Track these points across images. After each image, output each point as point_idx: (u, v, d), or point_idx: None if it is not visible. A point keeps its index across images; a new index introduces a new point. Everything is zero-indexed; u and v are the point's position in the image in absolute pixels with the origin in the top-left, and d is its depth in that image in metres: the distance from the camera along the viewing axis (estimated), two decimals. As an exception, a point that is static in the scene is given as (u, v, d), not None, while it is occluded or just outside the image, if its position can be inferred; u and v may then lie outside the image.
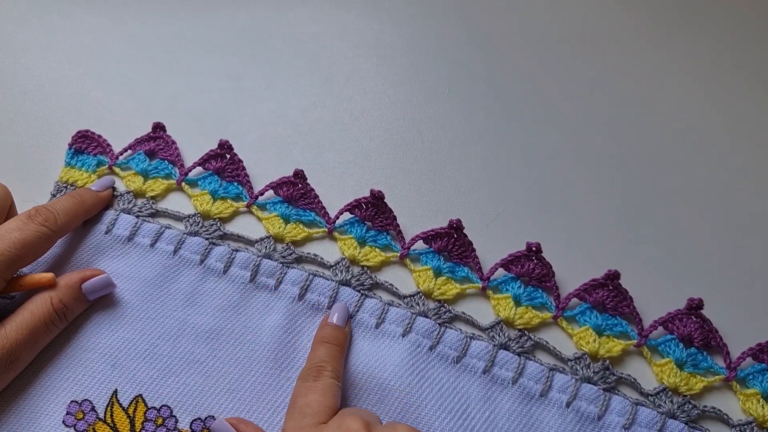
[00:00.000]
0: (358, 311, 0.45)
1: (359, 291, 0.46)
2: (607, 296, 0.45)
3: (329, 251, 0.48)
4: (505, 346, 0.44)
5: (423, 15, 0.61)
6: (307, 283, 0.46)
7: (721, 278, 0.47)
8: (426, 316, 0.45)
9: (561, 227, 0.49)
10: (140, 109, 0.55)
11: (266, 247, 0.48)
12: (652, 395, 0.42)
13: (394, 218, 0.48)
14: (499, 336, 0.44)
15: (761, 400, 0.42)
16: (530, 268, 0.46)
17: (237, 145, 0.51)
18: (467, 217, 0.47)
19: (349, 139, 0.53)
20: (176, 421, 0.42)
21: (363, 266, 0.47)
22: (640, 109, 0.54)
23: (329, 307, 0.45)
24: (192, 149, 0.52)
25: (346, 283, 0.46)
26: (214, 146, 0.51)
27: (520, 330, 0.44)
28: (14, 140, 0.53)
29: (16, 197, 0.46)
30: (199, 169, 0.51)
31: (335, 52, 0.58)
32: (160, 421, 0.42)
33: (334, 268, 0.47)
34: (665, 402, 0.42)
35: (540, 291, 0.46)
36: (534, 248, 0.45)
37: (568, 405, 0.42)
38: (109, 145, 0.52)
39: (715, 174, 0.51)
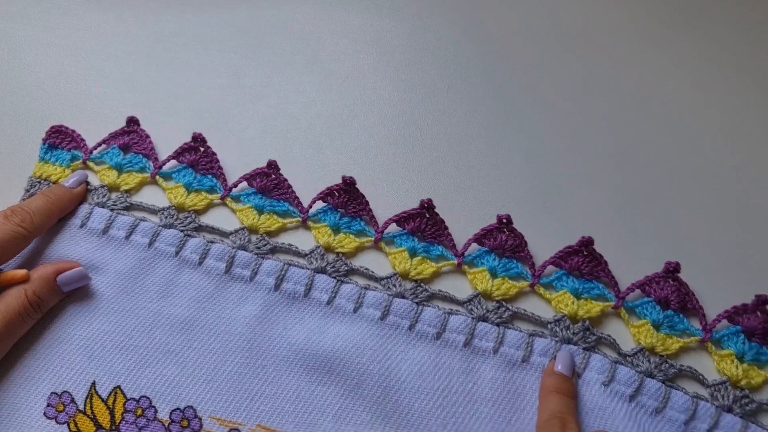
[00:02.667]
0: (335, 297, 0.45)
1: (335, 277, 0.46)
2: (582, 262, 0.45)
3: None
4: (483, 318, 0.44)
5: (423, 12, 0.61)
6: (283, 272, 0.46)
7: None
8: (403, 297, 0.45)
9: (562, 225, 0.48)
10: (140, 105, 0.55)
11: (241, 238, 0.48)
12: (630, 356, 0.42)
13: (367, 203, 0.48)
14: (477, 309, 0.44)
15: (735, 360, 0.42)
16: (503, 240, 0.46)
17: (236, 141, 0.51)
18: (467, 214, 0.48)
19: (348, 135, 0.53)
20: (155, 411, 0.42)
21: (338, 253, 0.47)
22: (639, 106, 0.54)
23: (305, 295, 0.45)
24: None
25: (321, 271, 0.46)
26: (214, 143, 0.51)
27: (498, 301, 0.44)
28: (14, 137, 0.53)
29: (15, 192, 0.47)
30: (173, 162, 0.51)
31: (335, 48, 0.58)
32: (139, 411, 0.42)
33: (309, 256, 0.47)
34: (643, 362, 0.42)
35: (515, 261, 0.46)
36: (504, 220, 0.46)
37: None
38: (83, 140, 0.52)
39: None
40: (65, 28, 0.61)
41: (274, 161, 0.50)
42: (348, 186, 0.48)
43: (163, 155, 0.52)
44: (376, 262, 0.47)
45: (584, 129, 0.52)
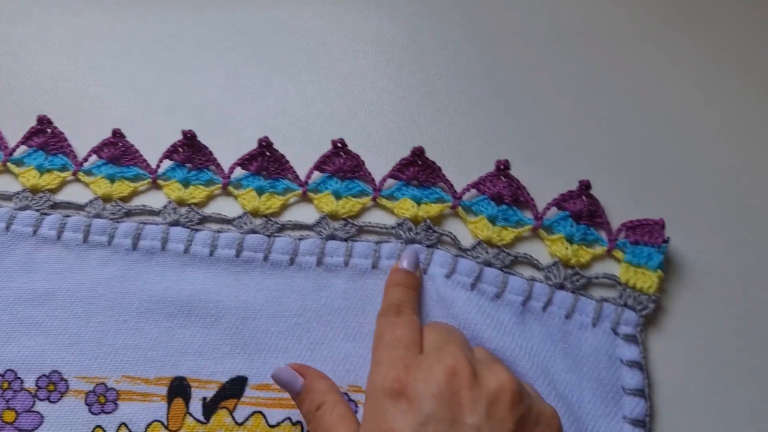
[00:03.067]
0: (191, 245, 0.46)
1: (189, 227, 0.47)
2: (419, 171, 0.47)
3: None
4: (332, 237, 0.46)
5: (422, 11, 0.60)
6: (138, 231, 0.47)
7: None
8: (255, 232, 0.46)
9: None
10: (139, 105, 0.55)
11: (95, 207, 0.48)
12: (469, 249, 0.45)
13: (211, 153, 0.50)
14: (325, 230, 0.46)
15: (565, 242, 0.45)
16: (342, 163, 0.48)
17: (236, 140, 0.51)
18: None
19: (347, 134, 0.52)
20: (22, 382, 0.43)
21: (190, 204, 0.48)
22: (638, 105, 0.54)
23: (163, 249, 0.46)
24: (190, 145, 0.51)
25: (175, 224, 0.47)
26: (214, 142, 0.51)
27: (344, 219, 0.47)
28: (12, 136, 0.53)
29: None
30: (23, 147, 0.52)
31: (334, 47, 0.58)
32: (6, 385, 0.43)
33: (162, 212, 0.48)
34: (482, 253, 0.44)
35: (355, 181, 0.48)
36: (339, 144, 0.48)
37: None
38: (-70, 142, 0.52)
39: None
40: (64, 27, 0.60)
41: (119, 129, 0.51)
42: (189, 140, 0.49)
43: (159, 155, 0.51)
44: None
45: (584, 129, 0.52)
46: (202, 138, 0.51)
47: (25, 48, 0.59)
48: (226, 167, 0.50)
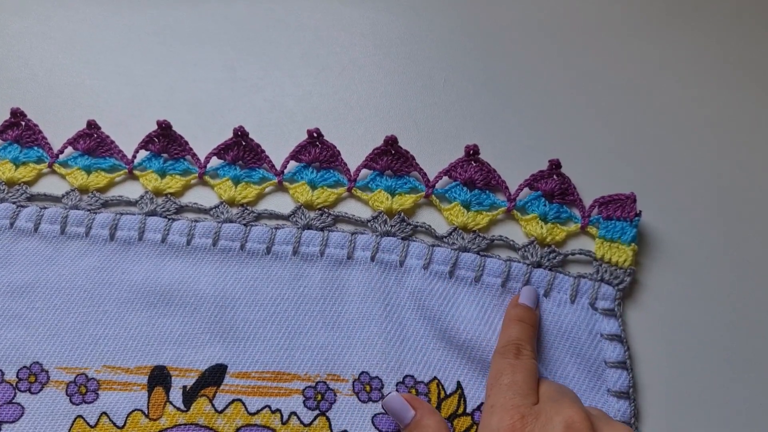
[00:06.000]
0: (168, 235, 0.46)
1: (166, 217, 0.47)
2: (392, 161, 0.48)
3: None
4: (308, 227, 0.46)
5: (419, 4, 0.60)
6: (115, 222, 0.47)
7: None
8: (232, 222, 0.47)
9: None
10: (135, 99, 0.54)
11: (72, 199, 0.48)
12: (445, 237, 0.45)
13: (186, 143, 0.50)
14: (301, 219, 0.46)
15: (539, 221, 0.46)
16: (317, 154, 0.49)
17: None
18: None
19: (344, 128, 0.52)
20: (2, 374, 0.43)
21: (167, 194, 0.48)
22: (635, 100, 0.54)
23: (140, 239, 0.46)
24: (187, 139, 0.51)
25: (152, 213, 0.47)
26: (211, 136, 0.50)
27: (320, 209, 0.47)
28: None
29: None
30: (-2, 141, 0.52)
31: (331, 41, 0.58)
32: (-14, 377, 0.43)
33: (139, 203, 0.48)
34: (458, 240, 0.45)
35: (330, 171, 0.48)
36: (315, 134, 0.48)
37: (372, 259, 0.45)
38: None
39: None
40: (60, 20, 0.59)
41: (94, 121, 0.51)
42: (165, 130, 0.49)
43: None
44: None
45: (581, 123, 0.52)
46: (198, 132, 0.51)
47: (21, 41, 0.58)
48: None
